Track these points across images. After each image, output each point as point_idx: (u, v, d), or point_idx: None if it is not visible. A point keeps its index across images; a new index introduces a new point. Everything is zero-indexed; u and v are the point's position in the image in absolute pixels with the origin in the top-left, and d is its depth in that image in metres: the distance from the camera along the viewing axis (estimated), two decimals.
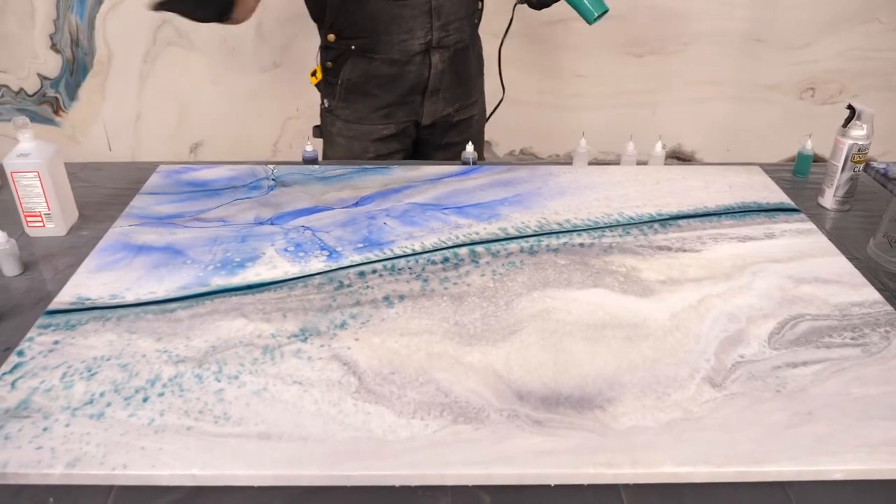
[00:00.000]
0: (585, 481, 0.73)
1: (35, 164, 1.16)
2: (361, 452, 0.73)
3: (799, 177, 1.42)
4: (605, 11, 1.42)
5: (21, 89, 2.39)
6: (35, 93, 2.41)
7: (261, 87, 2.41)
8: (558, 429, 0.76)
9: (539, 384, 0.82)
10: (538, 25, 2.31)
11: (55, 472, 0.71)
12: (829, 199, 1.30)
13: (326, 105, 1.60)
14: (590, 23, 1.42)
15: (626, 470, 0.72)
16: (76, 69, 2.38)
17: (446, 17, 1.48)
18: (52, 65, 2.37)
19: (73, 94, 2.42)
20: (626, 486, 0.74)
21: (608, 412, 0.78)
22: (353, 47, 1.49)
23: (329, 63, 1.54)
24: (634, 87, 2.41)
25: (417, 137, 1.65)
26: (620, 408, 0.78)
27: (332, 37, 1.50)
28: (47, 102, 2.43)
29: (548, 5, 1.56)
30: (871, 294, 0.98)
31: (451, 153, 1.67)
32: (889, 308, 0.95)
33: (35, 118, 2.37)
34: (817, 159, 1.44)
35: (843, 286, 0.99)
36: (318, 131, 1.66)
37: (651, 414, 0.78)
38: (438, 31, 1.48)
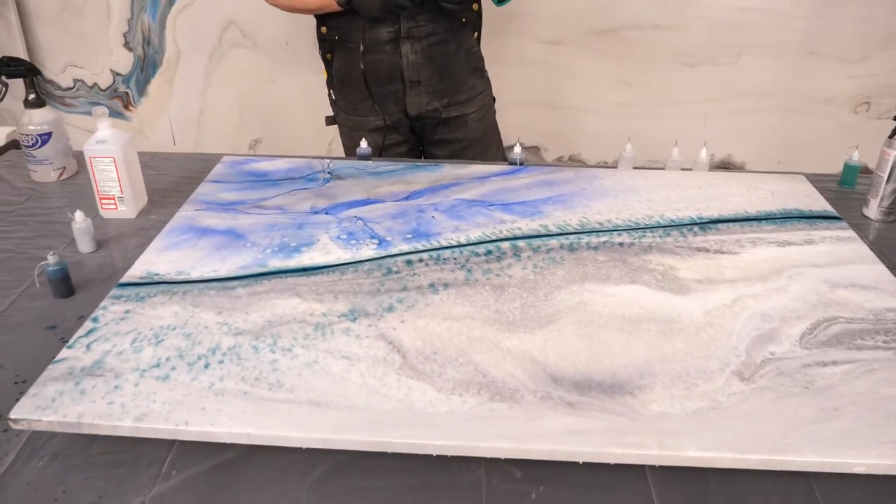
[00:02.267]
0: (612, 461, 0.76)
1: (111, 150, 1.25)
2: (402, 422, 0.78)
3: (845, 187, 1.43)
4: None
5: (95, 84, 2.53)
6: (107, 88, 2.54)
7: (318, 87, 2.50)
8: (589, 411, 0.80)
9: (573, 370, 0.86)
10: (588, 34, 2.35)
11: (125, 424, 0.78)
12: (873, 210, 1.31)
13: (332, 97, 1.74)
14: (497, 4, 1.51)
15: (652, 451, 0.75)
16: (146, 66, 2.51)
17: (413, 8, 1.53)
18: (124, 62, 2.51)
19: (142, 90, 2.55)
20: (652, 467, 0.78)
21: (638, 398, 0.82)
22: (336, 38, 1.62)
23: (328, 55, 1.68)
24: (685, 96, 2.43)
25: (413, 129, 1.72)
26: (650, 395, 0.82)
27: (323, 29, 1.64)
28: (118, 97, 2.57)
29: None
30: None
31: (446, 150, 1.73)
32: None
33: (109, 113, 2.50)
34: (868, 171, 1.44)
35: (880, 292, 1.01)
36: (331, 120, 1.78)
37: (679, 402, 0.81)
38: (407, 21, 1.56)
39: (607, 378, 0.85)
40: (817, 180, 1.40)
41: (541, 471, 0.78)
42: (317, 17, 1.66)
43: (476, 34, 1.72)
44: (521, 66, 2.38)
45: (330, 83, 1.74)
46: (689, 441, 0.76)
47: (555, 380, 0.84)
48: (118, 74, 2.53)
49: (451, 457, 0.78)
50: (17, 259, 1.20)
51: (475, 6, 1.67)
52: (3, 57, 1.40)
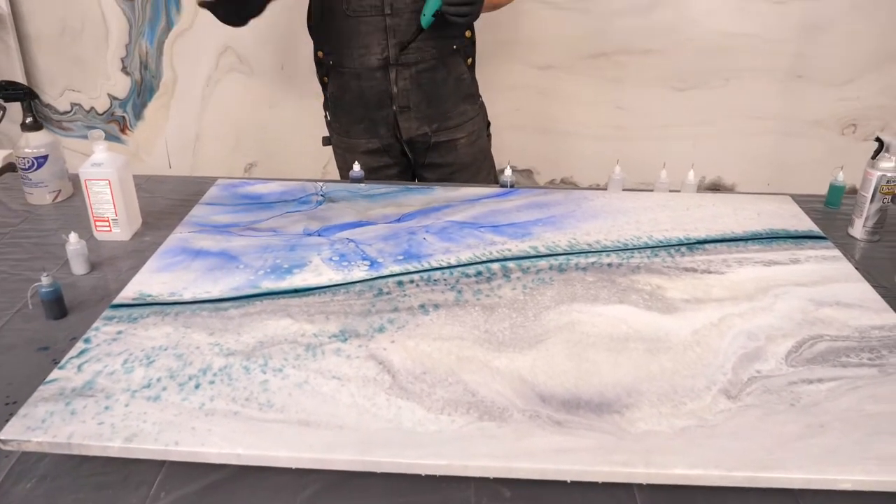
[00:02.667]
0: (601, 479, 0.77)
1: (107, 173, 1.27)
2: (392, 442, 0.79)
3: (831, 207, 1.45)
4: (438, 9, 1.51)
5: (92, 108, 2.55)
6: (104, 112, 2.56)
7: (314, 112, 2.52)
8: (577, 429, 0.81)
9: (561, 389, 0.87)
10: (580, 59, 2.38)
11: (114, 444, 0.78)
12: (858, 230, 1.32)
13: (327, 118, 1.79)
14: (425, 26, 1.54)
15: (639, 469, 0.76)
16: (143, 91, 2.53)
17: (402, 36, 1.57)
18: (121, 86, 2.53)
19: (139, 114, 2.57)
20: (640, 486, 0.78)
21: (626, 417, 0.82)
22: (331, 62, 1.65)
23: (325, 78, 1.72)
24: (676, 120, 2.46)
25: (405, 152, 1.75)
26: (637, 413, 0.83)
27: (320, 53, 1.69)
28: (115, 121, 2.58)
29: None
30: (891, 318, 1.00)
31: (437, 174, 1.76)
32: None
33: (105, 137, 2.52)
34: (854, 192, 1.46)
35: (865, 310, 1.02)
36: (327, 140, 1.83)
37: (667, 420, 0.82)
38: (394, 49, 1.58)
39: (595, 397, 0.85)
40: (803, 201, 1.42)
41: (530, 489, 0.78)
42: (314, 41, 1.70)
43: (469, 60, 1.74)
44: (514, 91, 2.41)
45: (326, 105, 1.78)
46: (677, 459, 0.77)
47: (543, 399, 0.85)
48: (115, 99, 2.55)
49: (441, 476, 0.79)
50: (11, 280, 1.20)
51: (468, 33, 1.69)
52: (2, 81, 1.42)
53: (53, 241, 1.32)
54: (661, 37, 2.35)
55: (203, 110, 2.56)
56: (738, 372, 0.89)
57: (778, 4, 2.29)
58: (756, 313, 1.01)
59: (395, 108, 1.65)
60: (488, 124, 1.84)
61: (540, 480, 0.78)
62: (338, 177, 1.93)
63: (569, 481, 0.78)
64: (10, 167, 1.69)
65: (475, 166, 1.77)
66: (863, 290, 1.07)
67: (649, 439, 0.79)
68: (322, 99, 1.80)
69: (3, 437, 0.79)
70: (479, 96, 1.80)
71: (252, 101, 2.53)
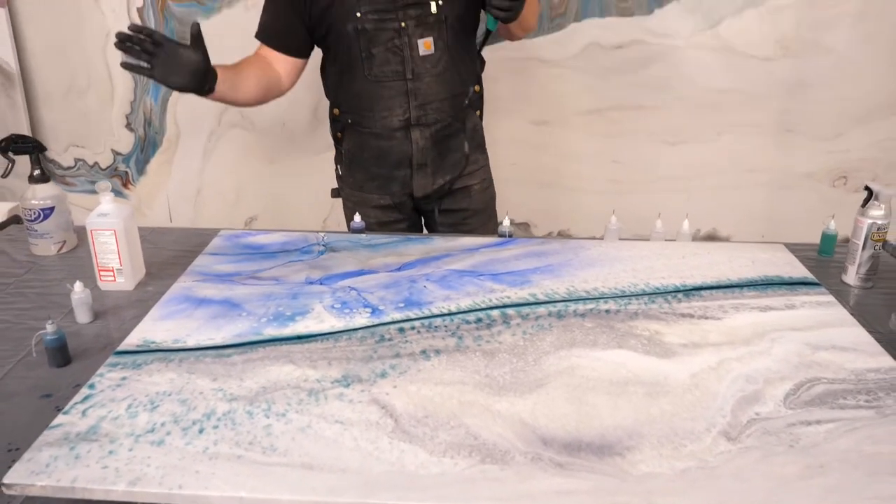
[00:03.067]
0: None
1: (113, 223, 1.29)
2: (395, 485, 0.79)
3: (824, 256, 1.47)
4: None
5: (96, 163, 2.60)
6: (108, 167, 2.61)
7: (314, 167, 2.57)
8: (579, 472, 0.81)
9: (562, 432, 0.87)
10: (575, 115, 2.44)
11: (118, 488, 0.79)
12: (852, 277, 1.35)
13: (339, 172, 1.81)
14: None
15: None
16: (147, 146, 2.58)
17: (423, 98, 1.62)
18: (125, 142, 2.58)
19: (141, 169, 2.62)
20: None
21: (626, 459, 0.83)
22: (349, 121, 1.69)
23: (338, 134, 1.75)
24: (670, 173, 2.51)
25: (416, 207, 1.79)
26: (638, 455, 0.83)
27: (336, 111, 1.72)
28: (118, 176, 2.63)
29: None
30: (887, 362, 1.02)
31: (451, 219, 1.79)
32: None
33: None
34: (847, 241, 1.49)
35: (860, 353, 1.03)
36: (335, 192, 1.86)
37: (667, 462, 0.82)
38: (416, 111, 1.63)
39: (596, 439, 0.86)
40: (797, 250, 1.44)
41: None
42: (331, 99, 1.74)
43: (479, 112, 1.79)
44: (511, 146, 2.47)
45: (338, 159, 1.81)
46: (678, 500, 0.77)
47: (545, 441, 0.86)
48: (119, 154, 2.60)
49: None
50: (15, 329, 1.21)
51: (476, 88, 1.75)
52: (12, 134, 1.45)
53: (57, 291, 1.33)
54: (654, 93, 2.41)
55: (205, 165, 2.60)
56: (737, 414, 0.90)
57: (765, 62, 2.36)
58: (753, 357, 1.02)
59: (412, 166, 1.69)
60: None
61: None
62: (338, 229, 1.96)
63: None
64: (15, 219, 1.71)
65: (487, 212, 1.81)
66: (858, 335, 1.09)
67: (651, 481, 0.80)
68: (332, 152, 1.83)
69: (6, 482, 0.79)
70: (486, 147, 1.85)
71: (253, 157, 2.58)
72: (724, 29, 2.35)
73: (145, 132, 2.56)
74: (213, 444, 0.85)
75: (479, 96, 1.77)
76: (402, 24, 1.57)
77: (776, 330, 1.09)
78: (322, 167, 2.57)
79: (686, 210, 2.49)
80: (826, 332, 1.09)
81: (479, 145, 1.80)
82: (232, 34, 2.39)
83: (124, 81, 2.49)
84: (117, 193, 2.61)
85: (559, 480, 0.80)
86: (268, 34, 1.67)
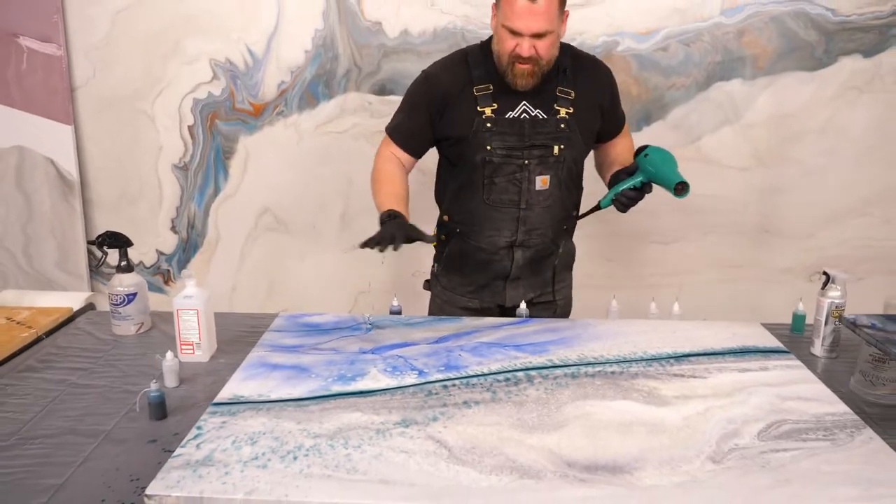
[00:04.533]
0: None
1: (196, 303, 1.54)
2: (455, 494, 1.01)
3: (795, 333, 1.72)
4: (685, 184, 1.70)
5: (140, 262, 2.86)
6: (151, 265, 2.88)
7: (341, 265, 2.85)
8: (598, 484, 1.03)
9: (582, 457, 1.10)
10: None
11: (237, 497, 1.00)
12: (818, 349, 1.59)
13: (434, 268, 1.98)
14: (675, 193, 1.71)
15: None
16: (188, 247, 2.86)
17: (531, 224, 1.80)
18: (169, 243, 2.86)
19: (182, 268, 2.88)
20: None
21: (634, 475, 1.06)
22: (458, 230, 1.87)
23: (443, 236, 1.92)
24: (661, 269, 2.79)
25: (502, 314, 1.92)
26: (643, 473, 1.06)
27: (445, 217, 1.90)
28: (160, 274, 2.90)
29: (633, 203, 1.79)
30: (842, 408, 1.25)
31: None
32: (855, 417, 1.22)
33: (148, 287, 2.82)
34: None
35: (821, 402, 1.27)
36: (427, 285, 2.01)
37: (667, 478, 1.05)
38: (522, 234, 1.81)
39: (610, 463, 1.09)
40: (772, 328, 1.69)
41: None
42: (442, 205, 1.91)
43: (572, 236, 1.96)
44: None
45: (437, 258, 1.96)
46: (677, 502, 0.99)
47: (569, 464, 1.08)
48: (162, 254, 2.88)
49: None
50: (113, 392, 1.44)
51: (575, 212, 1.92)
52: (106, 231, 1.72)
53: (143, 363, 1.56)
54: (645, 199, 2.72)
55: (241, 264, 2.87)
56: (721, 445, 1.13)
57: (742, 171, 2.70)
58: (734, 405, 1.26)
59: (507, 279, 1.87)
60: None
61: None
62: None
63: None
64: (90, 307, 1.95)
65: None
66: (819, 389, 1.33)
67: (653, 491, 1.02)
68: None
69: (148, 493, 1.01)
70: None
71: (286, 256, 2.85)
72: (704, 143, 2.70)
73: (188, 234, 2.85)
74: (306, 468, 1.07)
75: (575, 221, 1.95)
76: (526, 162, 1.74)
77: (752, 386, 1.33)
78: (348, 265, 2.85)
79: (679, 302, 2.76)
80: (793, 387, 1.33)
81: (568, 265, 1.98)
82: (272, 148, 2.75)
83: (172, 189, 2.81)
84: (158, 290, 2.87)
85: (583, 490, 1.02)
86: (401, 134, 1.83)
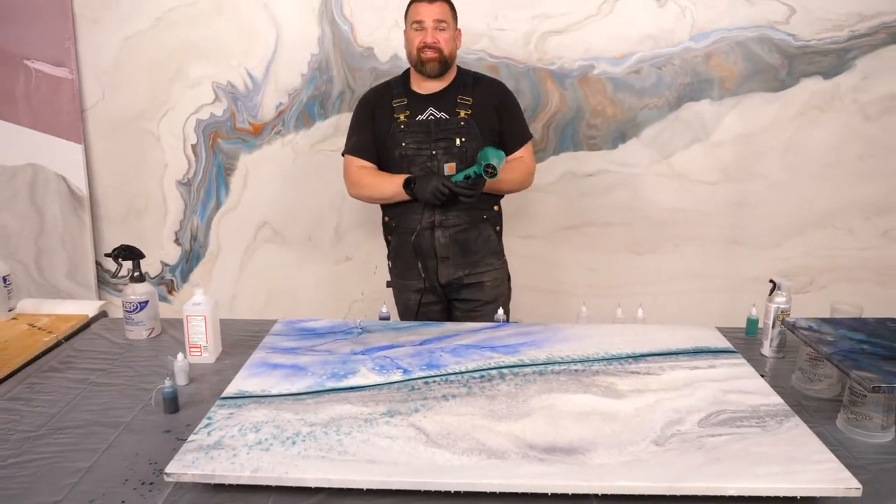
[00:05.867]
0: (570, 491, 1.16)
1: (203, 310, 1.71)
2: (431, 471, 1.18)
3: (749, 336, 1.89)
4: (493, 167, 1.98)
5: (146, 272, 3.02)
6: (156, 276, 3.04)
7: (335, 275, 3.02)
8: (554, 463, 1.20)
9: (543, 441, 1.27)
10: (557, 230, 2.92)
11: (244, 474, 1.17)
12: (767, 349, 1.76)
13: (389, 266, 2.35)
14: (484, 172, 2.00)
15: (595, 483, 1.15)
16: (191, 258, 3.02)
17: (445, 207, 2.15)
18: (172, 254, 3.03)
19: (185, 278, 3.05)
20: (596, 495, 1.17)
21: (587, 456, 1.22)
22: (394, 224, 2.27)
23: (388, 237, 2.32)
24: (636, 279, 2.96)
25: (445, 293, 2.29)
26: (595, 454, 1.23)
27: (387, 218, 2.29)
28: (164, 284, 3.06)
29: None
30: (776, 399, 1.42)
31: (468, 306, 2.29)
32: (787, 407, 1.39)
33: None
34: None
35: (759, 395, 1.44)
36: (389, 284, 2.40)
37: (614, 458, 1.22)
38: (439, 216, 2.18)
39: (566, 445, 1.25)
40: (728, 332, 1.86)
41: (524, 501, 1.17)
42: (384, 212, 2.30)
43: (497, 227, 2.30)
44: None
45: (389, 256, 2.35)
46: (620, 477, 1.16)
47: (531, 447, 1.25)
48: (166, 265, 3.04)
49: (465, 493, 1.17)
50: (129, 390, 1.60)
51: (496, 207, 2.27)
52: (122, 245, 1.89)
53: (155, 364, 1.73)
54: (620, 213, 2.91)
55: (241, 274, 3.04)
56: (665, 431, 1.30)
57: (710, 186, 2.88)
58: (681, 398, 1.43)
59: (437, 258, 2.21)
60: (508, 277, 2.37)
61: (529, 493, 1.16)
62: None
63: (549, 494, 1.16)
64: (103, 314, 2.12)
65: (496, 304, 2.21)
66: (759, 384, 1.50)
67: (602, 469, 1.19)
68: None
69: (167, 471, 1.18)
70: (504, 255, 2.35)
71: (283, 266, 3.02)
72: (676, 159, 2.88)
73: (191, 246, 3.02)
74: (304, 450, 1.23)
75: (498, 214, 2.30)
76: (434, 152, 2.16)
77: (699, 381, 1.50)
78: (341, 275, 3.02)
79: (649, 309, 2.93)
80: (736, 383, 1.50)
81: (494, 252, 2.29)
82: (271, 165, 2.92)
83: (176, 203, 2.97)
84: (162, 299, 3.03)
85: (542, 468, 1.19)
86: (361, 147, 2.24)
